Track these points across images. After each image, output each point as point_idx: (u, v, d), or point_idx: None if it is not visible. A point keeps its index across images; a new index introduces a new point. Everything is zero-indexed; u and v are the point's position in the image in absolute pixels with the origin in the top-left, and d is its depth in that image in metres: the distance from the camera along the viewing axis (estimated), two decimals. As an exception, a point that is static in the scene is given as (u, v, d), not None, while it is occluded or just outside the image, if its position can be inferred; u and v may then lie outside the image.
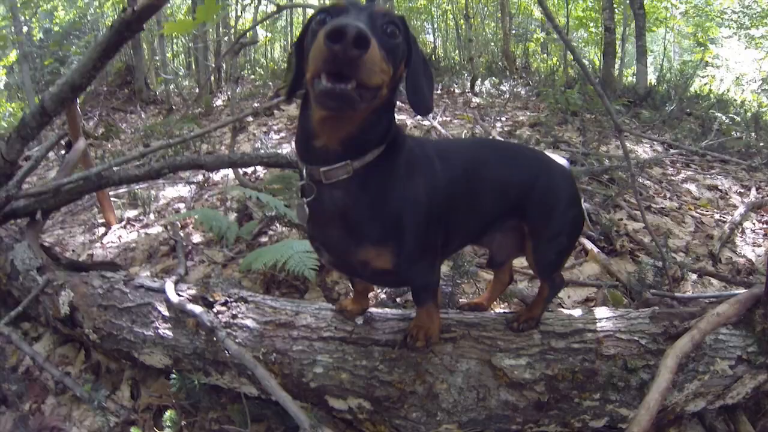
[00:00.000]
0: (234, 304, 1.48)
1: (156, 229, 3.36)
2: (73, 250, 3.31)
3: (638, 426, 1.19)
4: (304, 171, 1.07)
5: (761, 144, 5.62)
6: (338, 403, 1.32)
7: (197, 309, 1.43)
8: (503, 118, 6.01)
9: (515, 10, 11.64)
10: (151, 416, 1.61)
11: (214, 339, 1.38)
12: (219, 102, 8.16)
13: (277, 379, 1.31)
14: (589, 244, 2.80)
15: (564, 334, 1.44)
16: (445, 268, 2.11)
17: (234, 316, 1.44)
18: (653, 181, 4.17)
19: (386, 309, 1.53)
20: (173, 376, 1.46)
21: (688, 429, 1.59)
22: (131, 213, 3.84)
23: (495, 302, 2.14)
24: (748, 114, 7.03)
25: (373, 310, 1.48)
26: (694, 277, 2.62)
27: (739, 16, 10.69)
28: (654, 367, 1.36)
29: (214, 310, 1.47)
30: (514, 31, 11.02)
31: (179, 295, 1.61)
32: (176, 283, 1.70)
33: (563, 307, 2.23)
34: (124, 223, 3.63)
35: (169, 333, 1.53)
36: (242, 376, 1.37)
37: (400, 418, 1.30)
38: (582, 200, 3.22)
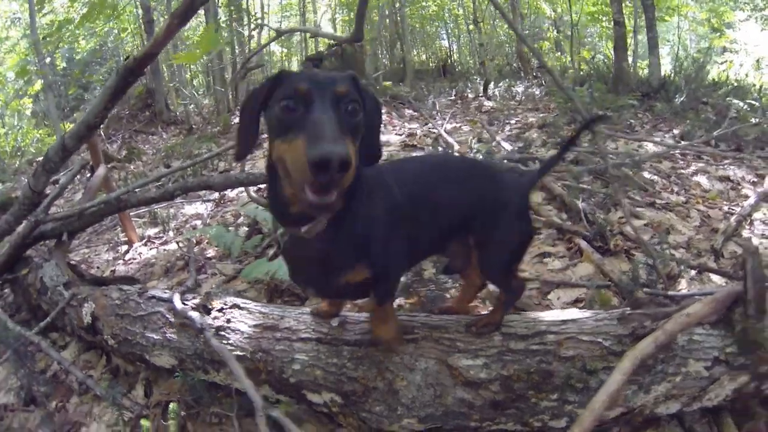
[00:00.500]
0: (229, 310, 1.69)
1: (174, 246, 3.63)
2: (97, 267, 3.61)
3: (580, 426, 1.24)
4: (281, 230, 1.22)
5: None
6: (315, 397, 1.50)
7: (194, 314, 1.66)
8: (513, 121, 6.14)
9: (526, 10, 11.75)
10: (160, 411, 1.83)
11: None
12: (236, 120, 8.51)
13: (262, 375, 1.52)
14: (583, 244, 2.83)
15: (525, 336, 1.51)
16: (428, 274, 2.29)
17: (228, 321, 1.65)
18: (661, 176, 4.18)
19: (362, 313, 1.72)
20: (177, 374, 1.68)
21: (666, 431, 1.59)
22: (152, 231, 4.14)
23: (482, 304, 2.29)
24: (764, 99, 6.89)
25: (348, 313, 1.66)
26: (693, 273, 2.60)
27: (746, -2, 10.57)
28: (615, 369, 1.36)
29: (212, 315, 1.69)
30: (526, 32, 11.12)
31: (185, 303, 1.84)
32: (183, 293, 1.93)
33: (551, 309, 2.28)
34: (145, 240, 3.92)
35: (175, 336, 1.76)
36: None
37: (366, 411, 1.45)
38: (580, 200, 3.35)
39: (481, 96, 7.90)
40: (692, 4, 11.36)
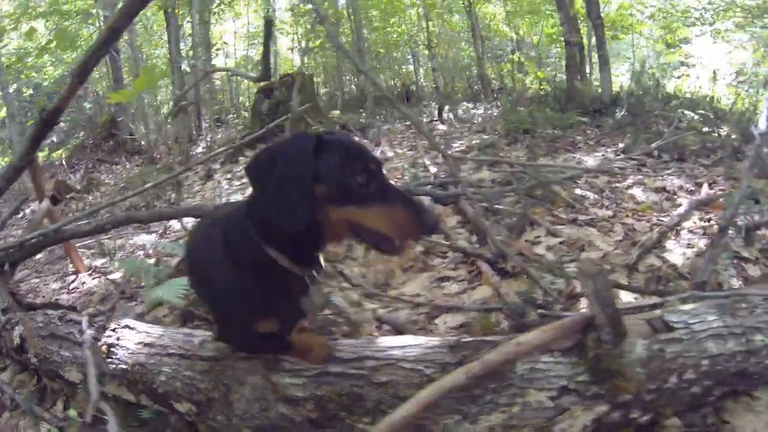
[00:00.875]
0: (120, 329, 2.06)
1: (116, 275, 4.00)
2: (44, 296, 3.96)
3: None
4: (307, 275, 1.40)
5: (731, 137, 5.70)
6: (179, 406, 1.80)
7: (89, 333, 2.04)
8: (456, 144, 6.50)
9: (489, 33, 12.38)
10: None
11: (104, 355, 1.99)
12: (199, 149, 8.92)
13: (138, 385, 1.87)
14: (484, 267, 2.87)
15: (347, 360, 1.62)
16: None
17: (118, 339, 2.02)
18: (594, 191, 4.27)
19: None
20: (80, 387, 2.06)
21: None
22: (99, 261, 4.50)
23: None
24: (709, 109, 7.32)
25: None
26: None
27: (701, 13, 11.21)
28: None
29: (106, 334, 2.07)
30: (488, 54, 11.72)
31: (92, 325, 2.22)
32: (93, 316, 2.31)
33: (436, 334, 2.34)
34: (90, 271, 4.28)
35: (80, 353, 2.13)
36: (122, 385, 1.95)
37: (211, 419, 1.69)
38: (489, 222, 3.58)
39: (436, 120, 8.36)
40: (647, 21, 12.04)
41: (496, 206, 3.65)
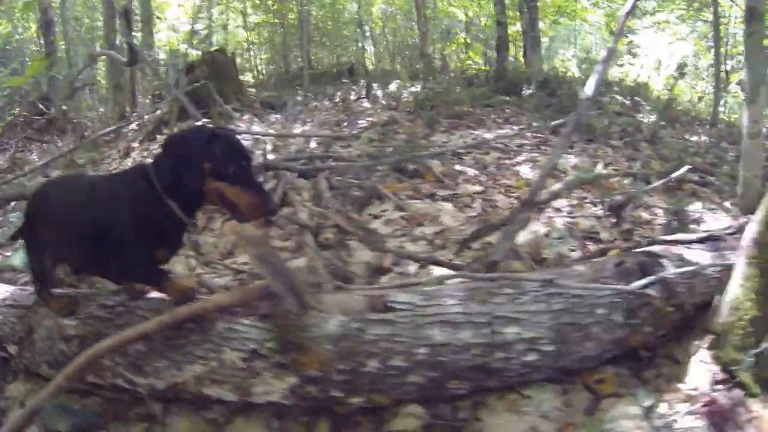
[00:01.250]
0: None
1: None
2: (-43, 270, 4.36)
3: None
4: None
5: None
6: (10, 348, 2.08)
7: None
8: (362, 121, 6.72)
9: (436, 13, 12.77)
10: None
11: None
12: (133, 126, 9.15)
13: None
14: (307, 239, 3.04)
15: (109, 306, 1.91)
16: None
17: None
18: (478, 167, 4.42)
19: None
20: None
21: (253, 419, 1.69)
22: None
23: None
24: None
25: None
26: (413, 267, 2.69)
27: (642, 3, 11.80)
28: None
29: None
30: (435, 36, 12.13)
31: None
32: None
33: None
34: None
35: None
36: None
37: (24, 357, 2.01)
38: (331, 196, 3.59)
39: (363, 98, 8.73)
40: (591, 8, 12.57)
41: (350, 180, 3.82)
